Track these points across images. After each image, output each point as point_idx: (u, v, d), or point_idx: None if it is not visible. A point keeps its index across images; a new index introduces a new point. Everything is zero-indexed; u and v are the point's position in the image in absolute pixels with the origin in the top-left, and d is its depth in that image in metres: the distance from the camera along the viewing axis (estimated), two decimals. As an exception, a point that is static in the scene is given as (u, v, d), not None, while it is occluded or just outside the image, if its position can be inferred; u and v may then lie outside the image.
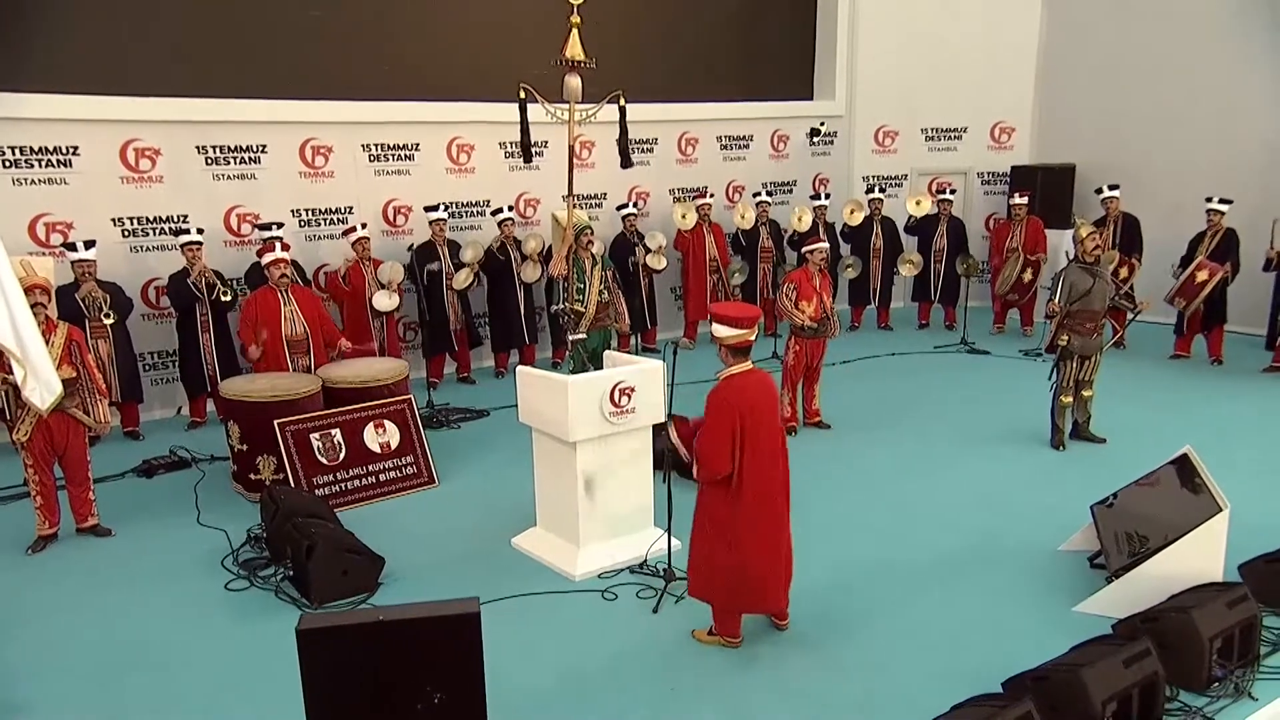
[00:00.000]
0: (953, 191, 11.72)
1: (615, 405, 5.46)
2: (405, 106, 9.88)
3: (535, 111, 6.86)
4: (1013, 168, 12.53)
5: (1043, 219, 11.40)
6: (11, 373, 5.64)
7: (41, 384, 5.64)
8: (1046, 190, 12.02)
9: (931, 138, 13.12)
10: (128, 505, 6.70)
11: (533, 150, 7.18)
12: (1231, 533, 4.90)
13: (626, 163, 7.35)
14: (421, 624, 2.03)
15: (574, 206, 7.41)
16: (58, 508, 6.17)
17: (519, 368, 5.99)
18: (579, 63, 6.71)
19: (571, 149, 7.05)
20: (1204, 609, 4.29)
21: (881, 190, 11.90)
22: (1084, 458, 7.33)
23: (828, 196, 11.65)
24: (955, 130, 13.08)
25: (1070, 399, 7.49)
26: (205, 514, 6.57)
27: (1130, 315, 8.44)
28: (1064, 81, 12.55)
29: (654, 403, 5.60)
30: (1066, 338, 7.34)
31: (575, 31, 6.70)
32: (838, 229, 11.74)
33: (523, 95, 6.75)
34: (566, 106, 6.78)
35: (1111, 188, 10.70)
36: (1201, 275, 9.47)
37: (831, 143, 13.00)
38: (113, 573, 5.75)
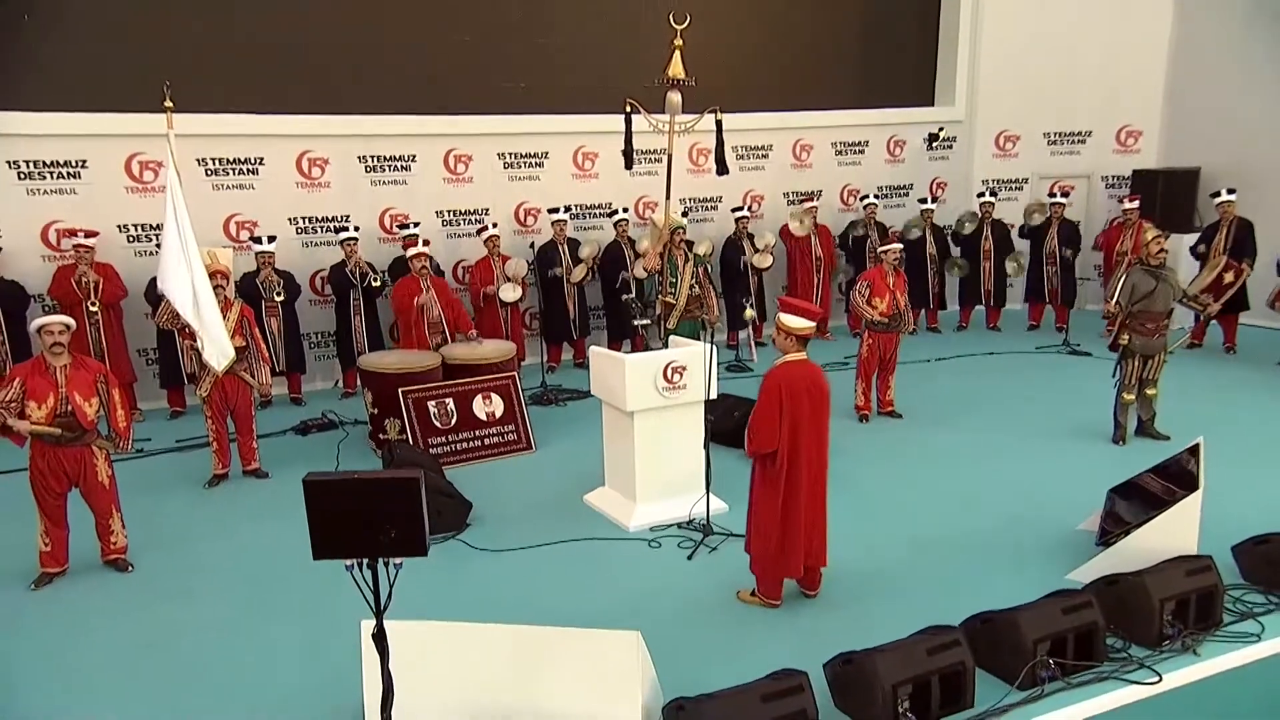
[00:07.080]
0: (1065, 195, 11.82)
1: (668, 381, 6.33)
2: (536, 119, 11.05)
3: (641, 123, 7.76)
4: (1134, 171, 12.48)
5: (1163, 223, 11.32)
6: (198, 341, 7.10)
7: (218, 350, 7.07)
8: (1169, 194, 11.95)
9: (1054, 141, 13.20)
10: (284, 455, 8.08)
11: (635, 158, 8.07)
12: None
13: (722, 170, 8.16)
14: (381, 482, 3.14)
15: (688, 209, 8.17)
16: (229, 453, 7.62)
17: (592, 348, 6.95)
18: (680, 81, 7.58)
19: (670, 156, 7.90)
20: (1158, 575, 4.76)
21: (993, 194, 12.15)
22: (1142, 453, 7.47)
23: (934, 201, 12.01)
24: (1078, 134, 13.10)
25: (1133, 396, 7.76)
26: (342, 465, 7.87)
27: (1201, 317, 8.54)
28: (1193, 84, 12.38)
29: (702, 380, 6.42)
30: (1128, 337, 7.63)
31: (678, 53, 7.58)
32: (947, 232, 12.11)
33: (628, 109, 7.67)
34: (668, 119, 7.63)
35: (1229, 191, 10.59)
36: (1302, 280, 9.36)
37: (950, 147, 13.29)
38: (265, 506, 7.10)
